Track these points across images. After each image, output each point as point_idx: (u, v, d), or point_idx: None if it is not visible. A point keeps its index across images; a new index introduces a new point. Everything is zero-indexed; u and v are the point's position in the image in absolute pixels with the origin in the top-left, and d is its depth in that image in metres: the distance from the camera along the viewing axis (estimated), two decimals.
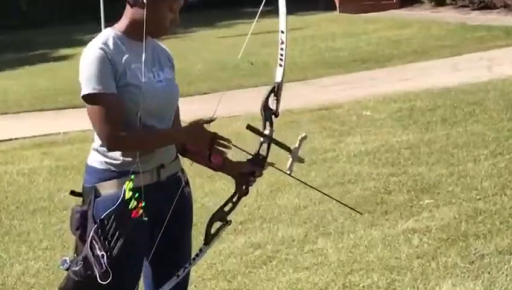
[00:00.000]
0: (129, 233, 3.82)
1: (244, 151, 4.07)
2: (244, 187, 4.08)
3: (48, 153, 11.27)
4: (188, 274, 4.22)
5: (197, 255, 4.11)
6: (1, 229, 7.72)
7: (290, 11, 4.19)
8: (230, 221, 4.12)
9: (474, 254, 5.97)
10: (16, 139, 12.70)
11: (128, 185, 3.75)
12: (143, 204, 3.73)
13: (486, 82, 12.93)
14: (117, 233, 3.81)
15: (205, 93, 14.83)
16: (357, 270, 5.91)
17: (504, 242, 6.09)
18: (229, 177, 4.13)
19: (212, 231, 4.08)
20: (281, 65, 4.10)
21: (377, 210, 7.24)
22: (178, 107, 4.13)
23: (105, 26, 17.71)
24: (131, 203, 3.73)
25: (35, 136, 12.72)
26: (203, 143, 3.84)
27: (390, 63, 16.70)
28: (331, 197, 5.03)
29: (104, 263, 3.75)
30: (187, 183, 4.13)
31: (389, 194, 7.66)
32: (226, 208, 4.09)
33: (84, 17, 29.90)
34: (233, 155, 4.03)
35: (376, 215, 7.10)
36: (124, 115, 3.75)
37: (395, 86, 13.55)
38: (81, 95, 3.75)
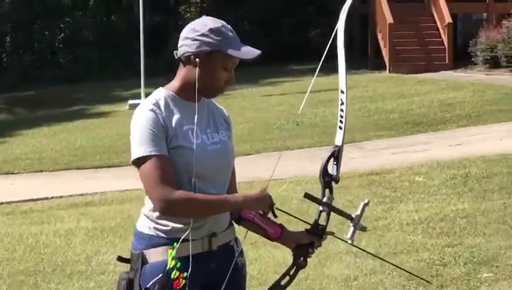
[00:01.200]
0: None
1: (302, 220, 4.02)
2: (302, 259, 4.02)
3: (85, 213, 11.29)
4: None
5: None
6: None
7: (337, 70, 4.13)
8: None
9: None
10: (52, 198, 12.78)
11: (171, 253, 3.76)
12: (184, 275, 3.74)
13: None
14: None
15: (247, 155, 14.86)
16: None
17: None
18: (273, 243, 4.12)
19: None
20: (340, 128, 4.08)
21: (433, 283, 7.07)
22: (234, 170, 4.14)
23: (145, 83, 17.92)
24: (173, 273, 3.74)
25: (71, 196, 12.79)
26: (261, 208, 3.87)
27: (444, 126, 16.72)
28: (397, 266, 4.98)
29: None
30: (241, 253, 4.10)
31: (445, 267, 7.54)
32: (283, 282, 4.04)
33: (123, 72, 30.43)
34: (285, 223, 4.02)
35: (431, 288, 6.99)
36: (176, 178, 3.76)
37: (449, 151, 13.57)
38: (132, 158, 3.78)
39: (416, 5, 27.13)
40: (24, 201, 12.64)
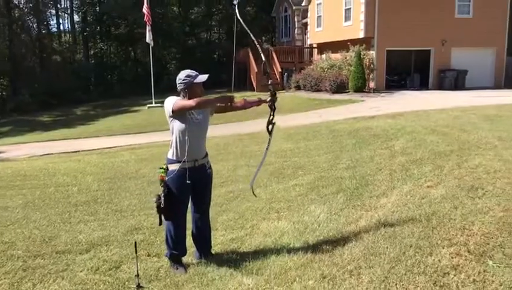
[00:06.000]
0: (175, 187, 3.87)
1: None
2: (272, 106, 3.95)
3: (133, 153, 11.09)
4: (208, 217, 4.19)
5: (268, 144, 4.11)
6: (117, 186, 7.59)
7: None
8: (275, 122, 3.99)
9: (322, 193, 5.85)
10: (117, 146, 12.61)
11: (163, 166, 3.88)
12: (165, 175, 3.83)
13: (319, 123, 13.03)
14: (169, 187, 3.88)
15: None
16: (274, 201, 5.87)
17: (327, 190, 6.08)
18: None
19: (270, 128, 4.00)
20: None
21: (279, 176, 7.16)
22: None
23: (155, 98, 17.14)
24: (161, 172, 3.86)
25: (125, 145, 12.63)
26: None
27: (281, 113, 16.75)
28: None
29: (162, 198, 3.86)
30: (210, 168, 4.13)
31: (284, 170, 7.57)
32: (270, 118, 3.97)
33: (140, 91, 29.67)
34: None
35: (279, 179, 7.01)
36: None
37: (283, 124, 13.61)
38: (172, 109, 3.78)
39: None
40: (105, 148, 12.48)
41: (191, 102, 3.73)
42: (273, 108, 3.95)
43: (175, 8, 38.68)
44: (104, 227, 5.41)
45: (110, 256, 4.46)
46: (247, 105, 3.98)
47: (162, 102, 4.06)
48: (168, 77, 31.98)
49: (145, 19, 22.51)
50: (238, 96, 4.07)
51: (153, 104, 22.64)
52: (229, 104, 3.84)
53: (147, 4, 22.56)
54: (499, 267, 3.43)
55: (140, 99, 26.82)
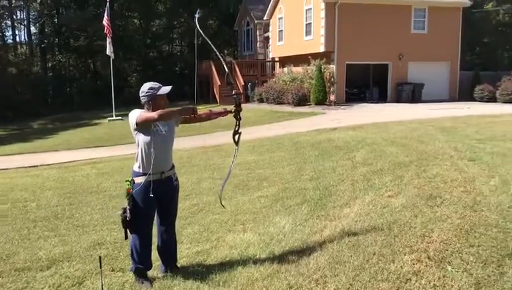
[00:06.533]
0: (140, 200, 3.82)
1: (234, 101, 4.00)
2: (238, 116, 3.94)
3: (94, 167, 10.77)
4: (174, 231, 4.17)
5: (235, 154, 4.09)
6: (78, 201, 7.39)
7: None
8: (241, 132, 3.98)
9: (287, 204, 5.94)
10: (77, 160, 12.24)
11: (129, 179, 3.86)
12: (132, 188, 3.80)
13: (282, 135, 13.08)
14: (134, 200, 3.84)
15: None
16: (239, 213, 5.85)
17: (292, 201, 6.24)
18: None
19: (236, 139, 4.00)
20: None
21: (244, 188, 7.16)
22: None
23: (116, 111, 16.93)
24: (128, 185, 3.84)
25: (85, 159, 12.26)
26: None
27: (244, 126, 16.74)
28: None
29: (128, 212, 3.82)
30: (176, 180, 4.11)
31: (248, 181, 7.56)
32: (236, 128, 4.00)
33: (101, 104, 29.13)
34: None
35: (244, 191, 7.02)
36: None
37: (247, 136, 13.63)
38: (136, 121, 3.76)
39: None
40: (64, 163, 12.04)
41: (154, 114, 3.71)
42: (238, 118, 3.98)
43: (136, 21, 38.39)
44: (65, 243, 5.26)
45: (73, 272, 4.35)
46: (212, 116, 3.99)
47: (123, 115, 4.05)
48: (129, 90, 31.60)
49: (106, 31, 22.22)
50: (203, 108, 4.05)
51: (114, 117, 22.27)
52: (193, 115, 3.83)
53: (107, 16, 22.30)
54: (457, 272, 3.57)
55: (101, 112, 26.28)
